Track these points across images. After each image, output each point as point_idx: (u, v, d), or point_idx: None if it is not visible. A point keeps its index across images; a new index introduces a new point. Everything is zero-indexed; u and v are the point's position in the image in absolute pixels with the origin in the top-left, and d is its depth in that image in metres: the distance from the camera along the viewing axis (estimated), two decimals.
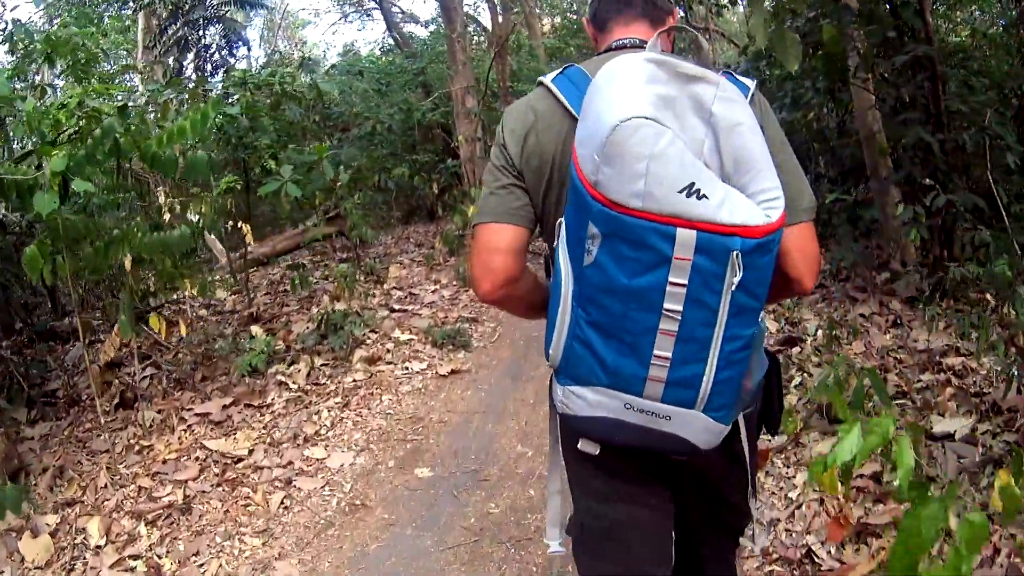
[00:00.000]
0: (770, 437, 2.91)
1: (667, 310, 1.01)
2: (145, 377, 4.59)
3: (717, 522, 1.42)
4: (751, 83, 1.18)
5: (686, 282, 0.99)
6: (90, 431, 4.02)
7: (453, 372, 4.44)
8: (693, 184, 0.96)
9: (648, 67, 1.03)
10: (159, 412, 4.10)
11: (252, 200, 6.18)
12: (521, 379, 4.27)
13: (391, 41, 13.46)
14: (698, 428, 1.09)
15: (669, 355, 1.04)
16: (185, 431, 3.87)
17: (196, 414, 4.03)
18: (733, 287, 0.99)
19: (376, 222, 10.33)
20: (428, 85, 9.99)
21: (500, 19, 10.61)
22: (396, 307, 5.85)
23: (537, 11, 13.08)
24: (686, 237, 0.97)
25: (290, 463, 3.45)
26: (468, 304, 5.99)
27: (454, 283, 6.55)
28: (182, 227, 3.45)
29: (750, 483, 1.30)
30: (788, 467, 2.89)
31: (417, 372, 4.49)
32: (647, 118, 0.97)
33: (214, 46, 12.07)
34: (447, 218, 8.73)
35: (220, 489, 3.30)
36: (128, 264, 3.54)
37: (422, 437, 3.65)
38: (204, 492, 3.29)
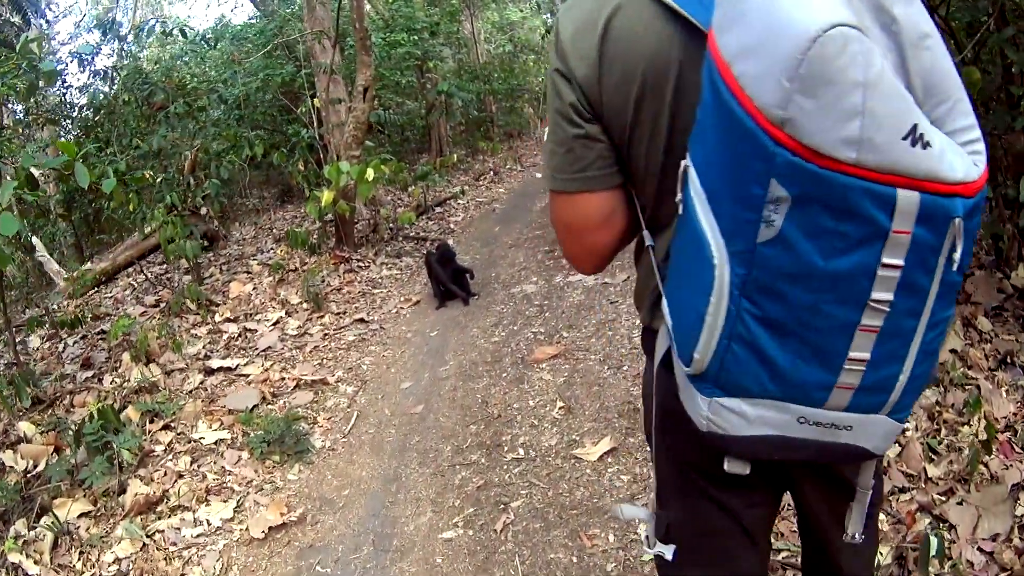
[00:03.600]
0: None
1: (874, 300, 0.73)
2: None
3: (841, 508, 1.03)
4: None
5: (902, 263, 0.71)
6: None
7: (272, 530, 2.69)
8: (916, 127, 0.66)
9: None
10: None
11: None
12: (390, 547, 2.47)
13: (254, 8, 11.04)
14: (878, 434, 0.83)
15: (867, 356, 0.76)
16: None
17: None
18: (948, 263, 0.71)
19: (232, 213, 8.44)
20: (290, 47, 7.99)
21: None
22: (216, 364, 4.14)
23: None
24: (908, 202, 0.68)
25: None
26: (319, 346, 4.33)
27: (304, 306, 4.86)
28: None
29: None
30: None
31: (218, 529, 2.72)
32: (852, 27, 0.64)
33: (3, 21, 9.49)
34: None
35: None
36: None
37: None
38: None
